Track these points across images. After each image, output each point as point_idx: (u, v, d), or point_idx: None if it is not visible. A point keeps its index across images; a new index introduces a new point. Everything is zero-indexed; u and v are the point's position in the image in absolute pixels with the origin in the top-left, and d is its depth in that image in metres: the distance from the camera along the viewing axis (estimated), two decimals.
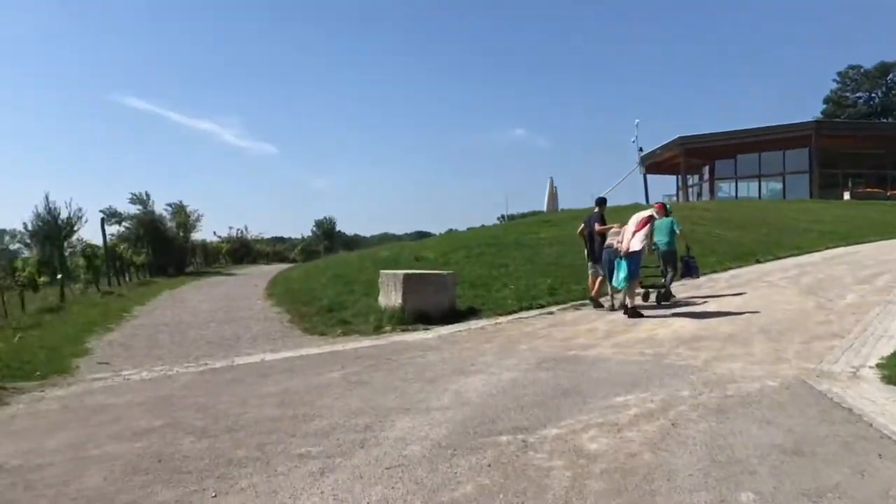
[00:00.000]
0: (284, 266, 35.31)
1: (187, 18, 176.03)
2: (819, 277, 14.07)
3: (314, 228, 63.67)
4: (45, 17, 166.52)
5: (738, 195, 45.60)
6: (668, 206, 13.64)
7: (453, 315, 11.38)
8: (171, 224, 34.21)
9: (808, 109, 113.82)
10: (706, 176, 50.10)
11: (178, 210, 35.74)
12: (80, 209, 31.00)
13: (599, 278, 11.82)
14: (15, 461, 4.75)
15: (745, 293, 12.44)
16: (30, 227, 31.48)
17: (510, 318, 11.21)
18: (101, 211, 31.66)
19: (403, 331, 10.50)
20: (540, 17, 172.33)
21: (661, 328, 9.62)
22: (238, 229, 48.97)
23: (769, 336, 8.63)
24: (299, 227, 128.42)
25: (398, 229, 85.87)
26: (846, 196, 39.50)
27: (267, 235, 55.74)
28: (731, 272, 15.79)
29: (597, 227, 11.91)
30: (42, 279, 18.59)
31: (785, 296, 11.92)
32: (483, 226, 35.81)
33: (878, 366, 6.87)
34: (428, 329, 10.50)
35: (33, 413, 6.28)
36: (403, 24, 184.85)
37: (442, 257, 18.42)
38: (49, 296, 18.10)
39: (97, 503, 3.96)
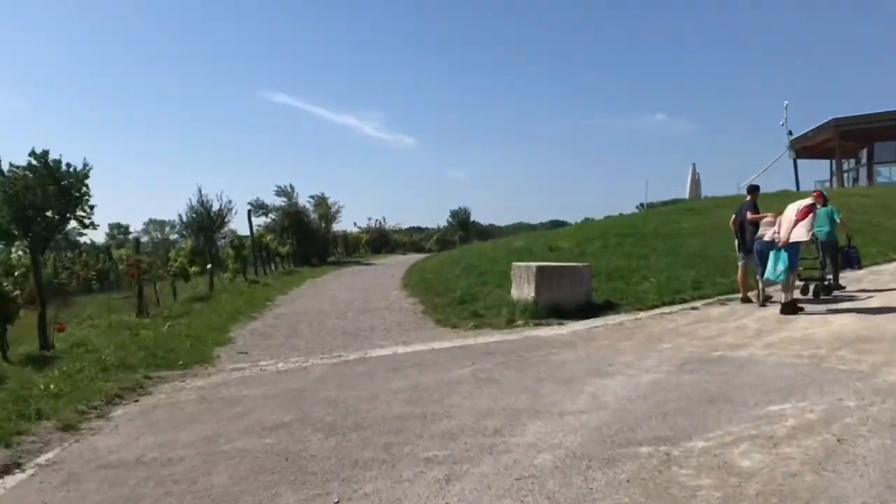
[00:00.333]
0: (420, 256, 35.91)
1: (343, 19, 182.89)
2: None
3: (449, 218, 64.39)
4: (201, 20, 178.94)
5: None
6: (824, 193, 12.52)
7: (589, 309, 10.96)
8: (313, 215, 35.65)
9: None
10: (863, 160, 45.85)
11: (321, 202, 37.24)
12: (230, 201, 32.27)
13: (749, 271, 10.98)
14: (152, 454, 4.95)
15: None
16: (184, 219, 33.32)
17: (650, 313, 10.65)
18: (248, 203, 33.34)
19: (536, 325, 10.22)
20: None
21: (819, 327, 8.72)
22: (377, 220, 50.53)
23: None
24: (435, 218, 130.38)
25: (533, 218, 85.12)
26: None
27: (404, 226, 57.15)
28: None
29: (749, 215, 11.02)
30: (193, 269, 19.85)
31: None
32: (621, 214, 34.70)
33: None
34: (562, 324, 10.16)
35: (173, 403, 6.59)
36: (538, 12, 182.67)
37: (577, 247, 18.05)
38: (199, 285, 19.30)
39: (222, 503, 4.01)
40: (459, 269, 18.15)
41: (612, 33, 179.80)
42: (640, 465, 4.21)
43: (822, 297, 10.86)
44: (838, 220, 11.37)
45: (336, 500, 3.92)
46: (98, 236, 65.19)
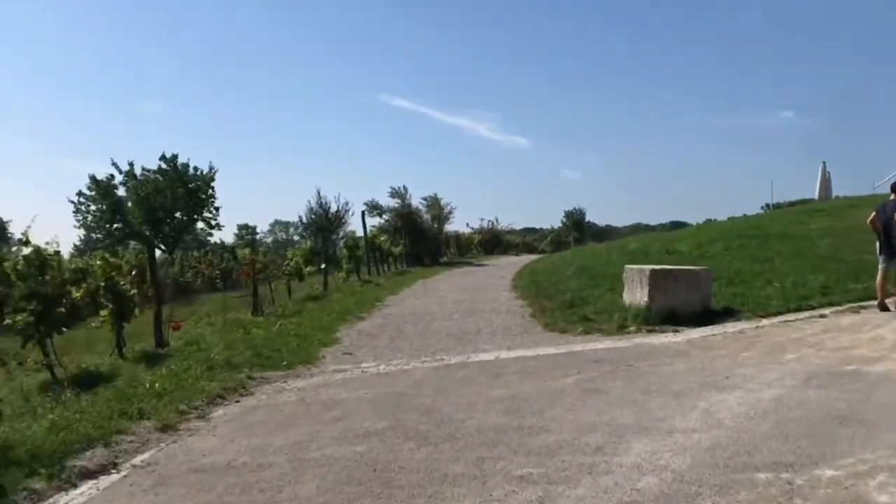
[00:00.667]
0: (533, 257, 35.51)
1: (467, 27, 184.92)
2: None
3: (564, 219, 63.44)
4: (323, 31, 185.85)
5: None
6: None
7: (707, 316, 10.23)
8: (426, 216, 36.01)
9: None
10: None
11: (433, 203, 37.57)
12: (346, 202, 33.12)
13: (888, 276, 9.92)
14: (243, 458, 4.93)
15: None
16: (304, 220, 34.40)
17: (774, 320, 9.80)
18: (364, 204, 34.12)
19: (649, 332, 9.65)
20: None
21: None
22: (489, 220, 50.45)
23: None
24: (549, 218, 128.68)
25: (652, 219, 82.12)
26: None
27: (517, 226, 56.74)
28: None
29: None
30: (308, 269, 20.37)
31: None
32: (745, 215, 32.77)
33: None
34: (677, 331, 9.53)
35: (272, 405, 6.61)
36: (656, 10, 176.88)
37: (697, 250, 17.22)
38: (315, 284, 19.79)
39: None
40: (571, 270, 17.68)
41: (741, 26, 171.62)
42: (756, 495, 3.73)
43: None
44: None
45: None
46: (227, 236, 68.62)
